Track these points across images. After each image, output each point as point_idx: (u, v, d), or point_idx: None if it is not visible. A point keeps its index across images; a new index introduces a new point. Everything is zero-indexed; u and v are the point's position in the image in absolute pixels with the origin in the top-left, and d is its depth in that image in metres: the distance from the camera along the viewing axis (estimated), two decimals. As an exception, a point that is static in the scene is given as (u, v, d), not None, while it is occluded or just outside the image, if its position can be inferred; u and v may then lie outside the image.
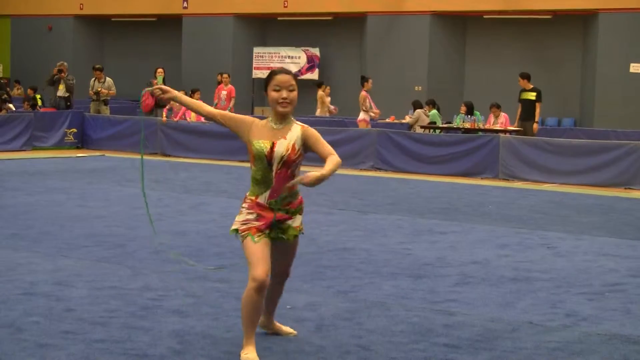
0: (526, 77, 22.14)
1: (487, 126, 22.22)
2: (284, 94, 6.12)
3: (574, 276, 9.24)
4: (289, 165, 6.16)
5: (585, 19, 28.44)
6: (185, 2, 33.59)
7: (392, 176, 19.67)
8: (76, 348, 6.19)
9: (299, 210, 6.32)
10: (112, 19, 36.02)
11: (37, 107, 26.45)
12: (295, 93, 6.18)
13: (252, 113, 30.81)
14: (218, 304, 7.57)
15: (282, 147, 6.12)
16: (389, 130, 21.84)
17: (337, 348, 6.42)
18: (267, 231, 6.16)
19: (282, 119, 6.21)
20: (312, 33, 32.53)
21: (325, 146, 6.15)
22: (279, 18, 32.99)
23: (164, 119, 23.97)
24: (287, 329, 6.78)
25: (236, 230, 6.22)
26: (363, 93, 23.13)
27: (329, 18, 32.04)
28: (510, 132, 21.21)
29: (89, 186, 15.27)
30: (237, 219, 6.25)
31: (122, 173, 17.70)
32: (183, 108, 24.02)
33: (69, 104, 25.34)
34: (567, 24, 29.05)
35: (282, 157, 6.12)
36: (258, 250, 6.10)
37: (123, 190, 15.36)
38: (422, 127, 23.26)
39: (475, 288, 8.57)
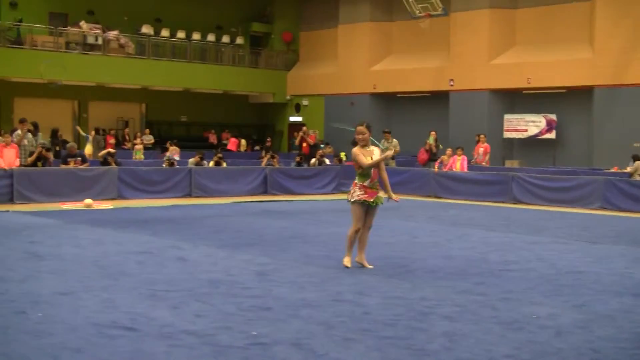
0: None
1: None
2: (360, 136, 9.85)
3: None
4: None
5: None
6: (451, 82, 33.55)
7: (617, 215, 18.67)
8: (371, 342, 6.26)
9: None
10: (397, 95, 36.53)
11: (343, 162, 27.20)
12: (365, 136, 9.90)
13: (502, 164, 30.24)
14: (478, 312, 7.43)
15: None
16: (612, 177, 20.78)
17: (573, 350, 6.12)
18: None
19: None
20: (550, 102, 31.54)
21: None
22: (524, 92, 32.28)
23: (436, 169, 23.99)
24: (367, 264, 9.86)
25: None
26: None
27: (564, 91, 31.00)
28: None
29: (383, 220, 15.43)
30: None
31: (406, 211, 17.83)
32: (450, 162, 23.98)
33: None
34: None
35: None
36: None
37: (405, 225, 15.46)
38: (640, 175, 22.00)
39: (688, 306, 7.94)
